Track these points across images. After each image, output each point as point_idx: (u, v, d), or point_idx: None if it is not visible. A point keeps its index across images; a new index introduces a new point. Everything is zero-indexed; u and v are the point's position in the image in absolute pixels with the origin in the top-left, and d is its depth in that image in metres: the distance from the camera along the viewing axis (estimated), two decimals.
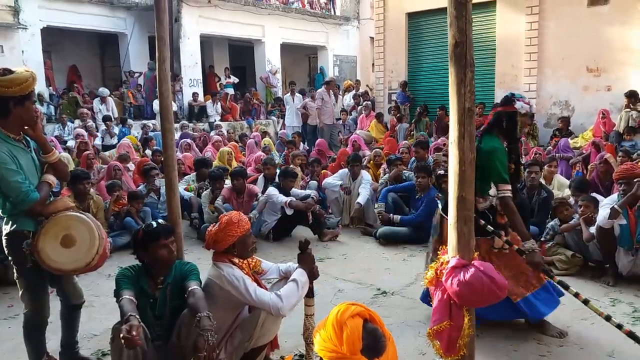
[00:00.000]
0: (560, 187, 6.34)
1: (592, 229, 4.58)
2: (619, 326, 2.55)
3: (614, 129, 9.03)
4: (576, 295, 2.65)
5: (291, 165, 7.70)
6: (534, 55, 10.89)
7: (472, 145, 2.04)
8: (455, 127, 2.03)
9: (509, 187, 3.21)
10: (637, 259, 4.35)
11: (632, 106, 8.89)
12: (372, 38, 16.65)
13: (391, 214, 6.07)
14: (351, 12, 20.06)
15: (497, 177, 3.21)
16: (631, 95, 8.95)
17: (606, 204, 4.48)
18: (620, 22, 9.74)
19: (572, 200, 5.28)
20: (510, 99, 3.37)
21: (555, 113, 10.77)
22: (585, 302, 2.64)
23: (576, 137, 9.57)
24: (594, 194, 5.15)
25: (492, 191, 3.29)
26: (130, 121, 12.66)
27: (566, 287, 2.75)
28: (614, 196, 4.59)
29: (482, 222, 3.20)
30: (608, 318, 2.59)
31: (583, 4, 10.13)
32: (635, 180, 4.30)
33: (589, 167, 7.09)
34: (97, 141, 10.88)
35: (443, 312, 2.09)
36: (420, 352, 3.28)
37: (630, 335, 2.52)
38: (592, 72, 10.23)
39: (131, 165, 8.10)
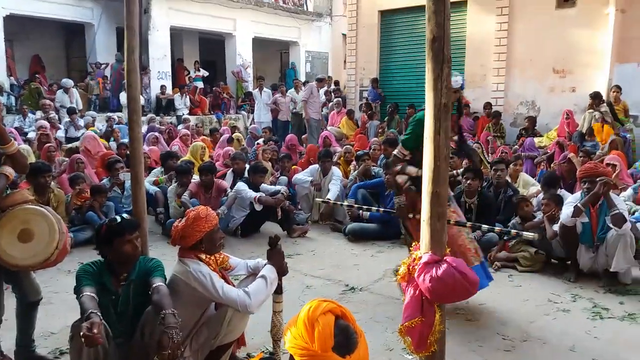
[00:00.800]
0: (525, 185, 6.45)
1: (555, 227, 4.68)
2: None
3: (577, 129, 9.27)
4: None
5: (261, 161, 7.61)
6: (502, 56, 11.06)
7: (448, 141, 2.03)
8: (431, 122, 2.01)
9: (406, 152, 3.74)
10: (597, 256, 4.45)
11: (595, 107, 9.13)
12: (344, 35, 16.63)
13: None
14: (324, 8, 19.99)
15: (404, 140, 3.79)
16: (595, 97, 9.19)
17: (570, 202, 4.58)
18: (586, 24, 9.96)
19: (541, 195, 5.39)
20: None
21: (522, 113, 10.98)
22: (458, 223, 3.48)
23: (541, 136, 9.78)
24: (561, 191, 5.27)
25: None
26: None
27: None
28: (578, 194, 4.68)
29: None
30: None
31: (551, 6, 10.32)
32: (598, 179, 4.40)
33: (552, 165, 7.27)
34: (60, 133, 10.54)
35: (415, 308, 2.07)
36: (387, 347, 3.27)
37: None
38: (558, 73, 10.46)
39: None
